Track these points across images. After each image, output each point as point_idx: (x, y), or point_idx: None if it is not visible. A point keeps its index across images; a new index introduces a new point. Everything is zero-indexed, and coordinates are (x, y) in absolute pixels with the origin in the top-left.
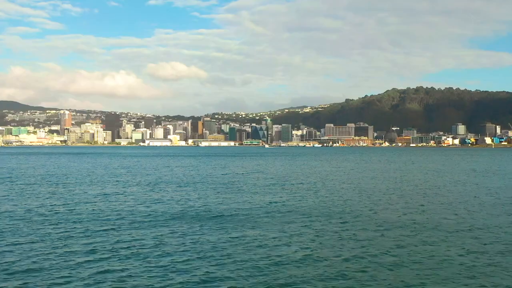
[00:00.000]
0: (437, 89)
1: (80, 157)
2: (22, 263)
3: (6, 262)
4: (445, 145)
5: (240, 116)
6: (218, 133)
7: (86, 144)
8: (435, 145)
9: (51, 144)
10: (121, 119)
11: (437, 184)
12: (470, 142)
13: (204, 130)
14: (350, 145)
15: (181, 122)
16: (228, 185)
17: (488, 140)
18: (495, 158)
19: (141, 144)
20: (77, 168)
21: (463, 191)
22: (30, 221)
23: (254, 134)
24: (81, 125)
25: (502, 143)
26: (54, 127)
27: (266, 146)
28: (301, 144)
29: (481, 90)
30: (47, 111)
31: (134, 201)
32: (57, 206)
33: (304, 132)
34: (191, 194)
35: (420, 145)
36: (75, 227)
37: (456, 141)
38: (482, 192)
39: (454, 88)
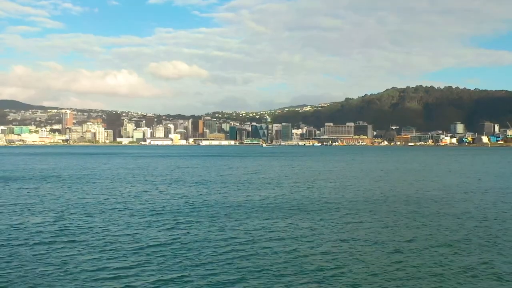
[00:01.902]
0: (436, 88)
1: (92, 157)
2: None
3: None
4: (443, 144)
5: (240, 115)
6: (219, 132)
7: (88, 143)
8: (433, 144)
9: (53, 143)
10: (122, 118)
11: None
12: (467, 141)
13: (204, 129)
14: (350, 144)
15: (181, 121)
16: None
17: (485, 139)
18: (480, 158)
19: (142, 143)
20: (101, 169)
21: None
22: (101, 211)
23: (255, 133)
24: (83, 124)
25: (499, 142)
26: (55, 126)
27: (264, 145)
28: (300, 143)
29: (481, 89)
30: (49, 110)
31: (165, 195)
32: (113, 200)
33: (304, 131)
34: (211, 190)
35: (418, 144)
36: (133, 216)
37: (454, 140)
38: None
39: (454, 87)
